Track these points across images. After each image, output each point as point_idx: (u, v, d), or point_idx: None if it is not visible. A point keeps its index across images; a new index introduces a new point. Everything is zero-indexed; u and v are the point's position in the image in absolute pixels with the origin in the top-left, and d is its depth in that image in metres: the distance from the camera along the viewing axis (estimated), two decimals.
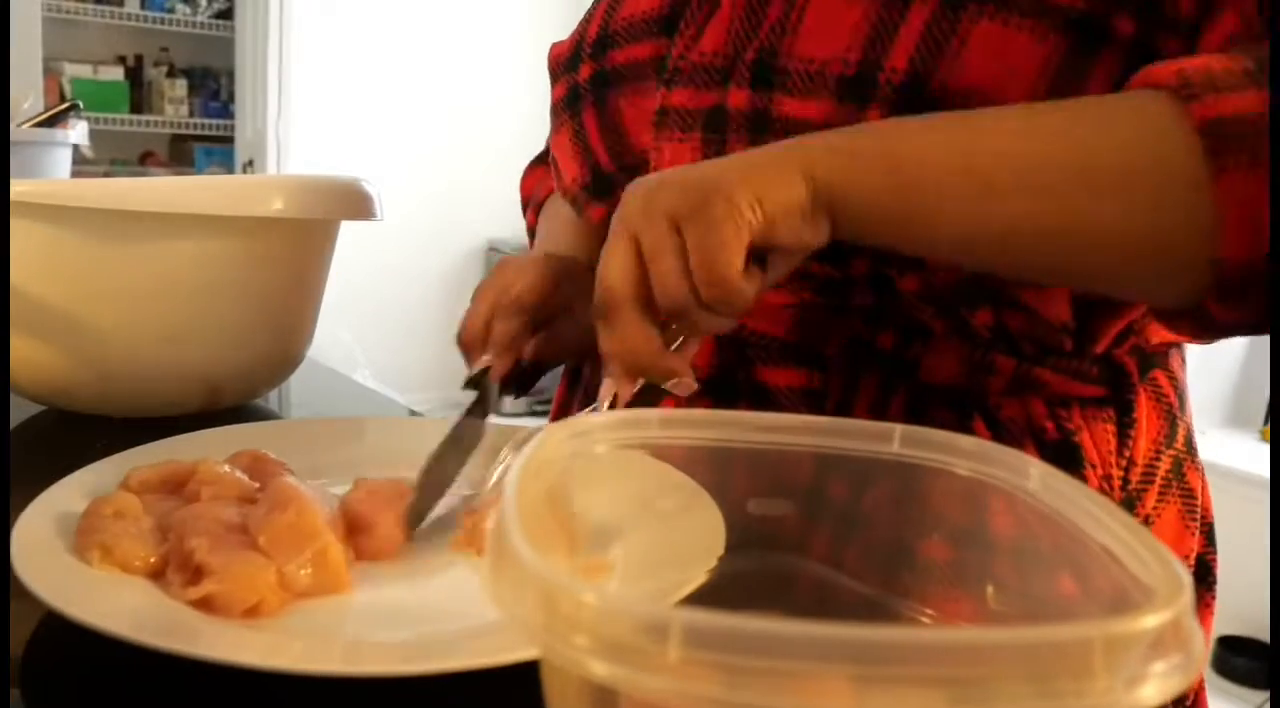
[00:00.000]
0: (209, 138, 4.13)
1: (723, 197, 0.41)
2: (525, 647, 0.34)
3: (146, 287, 0.68)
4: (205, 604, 0.41)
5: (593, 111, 0.61)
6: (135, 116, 3.99)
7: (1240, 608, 1.87)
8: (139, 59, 4.08)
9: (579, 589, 0.21)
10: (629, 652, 0.20)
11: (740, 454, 0.36)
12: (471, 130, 3.84)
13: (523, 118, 3.66)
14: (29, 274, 0.65)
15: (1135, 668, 0.20)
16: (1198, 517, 0.58)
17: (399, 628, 0.43)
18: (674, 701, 0.21)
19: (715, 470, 0.38)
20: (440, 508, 0.51)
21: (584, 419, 0.33)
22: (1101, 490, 0.53)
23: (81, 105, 1.30)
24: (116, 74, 3.98)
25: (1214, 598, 0.59)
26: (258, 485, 0.50)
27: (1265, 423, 2.63)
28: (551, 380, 0.70)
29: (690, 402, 0.57)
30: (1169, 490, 0.56)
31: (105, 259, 0.67)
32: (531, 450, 0.30)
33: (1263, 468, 2.28)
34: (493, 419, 0.56)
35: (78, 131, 1.22)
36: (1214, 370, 2.59)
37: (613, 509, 0.38)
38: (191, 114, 4.10)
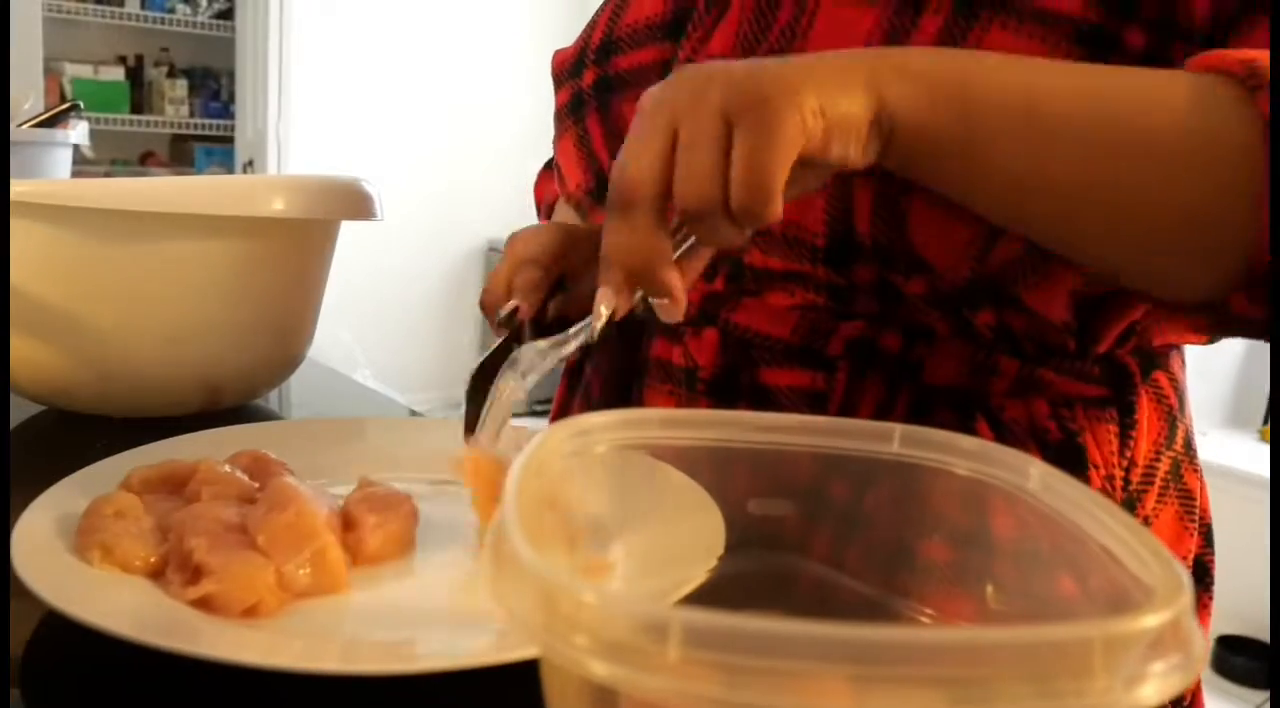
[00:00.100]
0: (209, 138, 4.13)
1: (787, 97, 0.38)
2: (525, 647, 0.34)
3: (146, 287, 0.68)
4: (204, 604, 0.41)
5: (597, 117, 0.61)
6: (135, 116, 3.99)
7: (1239, 608, 1.87)
8: (139, 59, 4.08)
9: (579, 589, 0.21)
10: (629, 652, 0.20)
11: (740, 454, 0.36)
12: (471, 130, 3.84)
13: (523, 118, 3.67)
14: (29, 274, 0.66)
15: (1135, 668, 0.20)
16: (1196, 518, 0.58)
17: (398, 628, 0.43)
18: (674, 700, 0.21)
19: (715, 470, 0.38)
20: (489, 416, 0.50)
21: (584, 419, 0.33)
22: (1104, 491, 0.53)
23: (82, 105, 1.30)
24: (117, 74, 3.98)
25: (1211, 599, 0.60)
26: (258, 486, 0.50)
27: (1265, 423, 2.63)
28: (553, 380, 0.70)
29: (692, 402, 0.57)
30: (1167, 492, 0.56)
31: (105, 259, 0.67)
32: (531, 450, 0.30)
33: (1262, 468, 2.28)
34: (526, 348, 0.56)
35: (78, 132, 1.22)
36: (1214, 371, 2.59)
37: (613, 509, 0.38)
38: (192, 114, 4.10)
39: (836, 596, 0.36)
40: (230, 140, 3.98)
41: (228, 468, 0.51)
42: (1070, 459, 0.52)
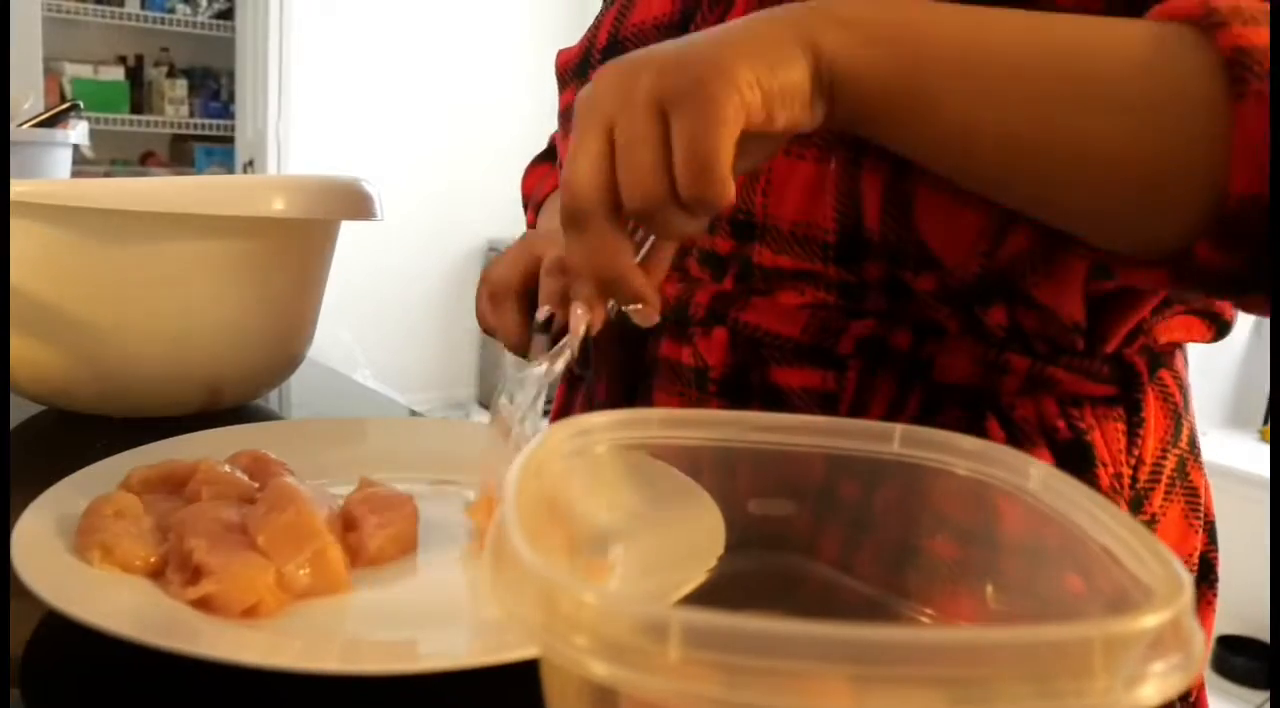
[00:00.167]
0: (209, 138, 4.13)
1: (719, 74, 0.37)
2: (525, 647, 0.34)
3: (146, 287, 0.68)
4: (204, 604, 0.41)
5: None
6: (135, 116, 3.99)
7: (1240, 608, 1.87)
8: (139, 59, 4.08)
9: (579, 589, 0.21)
10: (629, 652, 0.20)
11: (740, 454, 0.36)
12: (471, 130, 3.84)
13: (523, 118, 3.67)
14: (29, 274, 0.66)
15: (1135, 668, 0.20)
16: (1200, 515, 0.58)
17: (398, 628, 0.43)
18: (674, 701, 0.21)
19: (716, 470, 0.38)
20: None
21: (584, 419, 0.33)
22: (1113, 489, 0.53)
23: (82, 105, 1.30)
24: (117, 74, 3.98)
25: (1215, 595, 0.60)
26: (258, 486, 0.50)
27: (1265, 423, 2.63)
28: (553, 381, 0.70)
29: (703, 403, 0.57)
30: (1174, 490, 0.56)
31: (105, 259, 0.67)
32: (531, 450, 0.30)
33: (1263, 468, 2.28)
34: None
35: (78, 131, 1.22)
36: (1214, 370, 2.59)
37: (613, 509, 0.38)
38: (192, 114, 4.10)
39: (837, 596, 0.36)
40: (230, 140, 3.98)
41: (228, 468, 0.51)
42: (1079, 457, 0.52)
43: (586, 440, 0.33)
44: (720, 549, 0.38)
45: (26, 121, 1.18)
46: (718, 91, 0.36)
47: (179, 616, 0.40)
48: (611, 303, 0.42)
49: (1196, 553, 0.58)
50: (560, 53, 0.67)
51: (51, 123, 1.19)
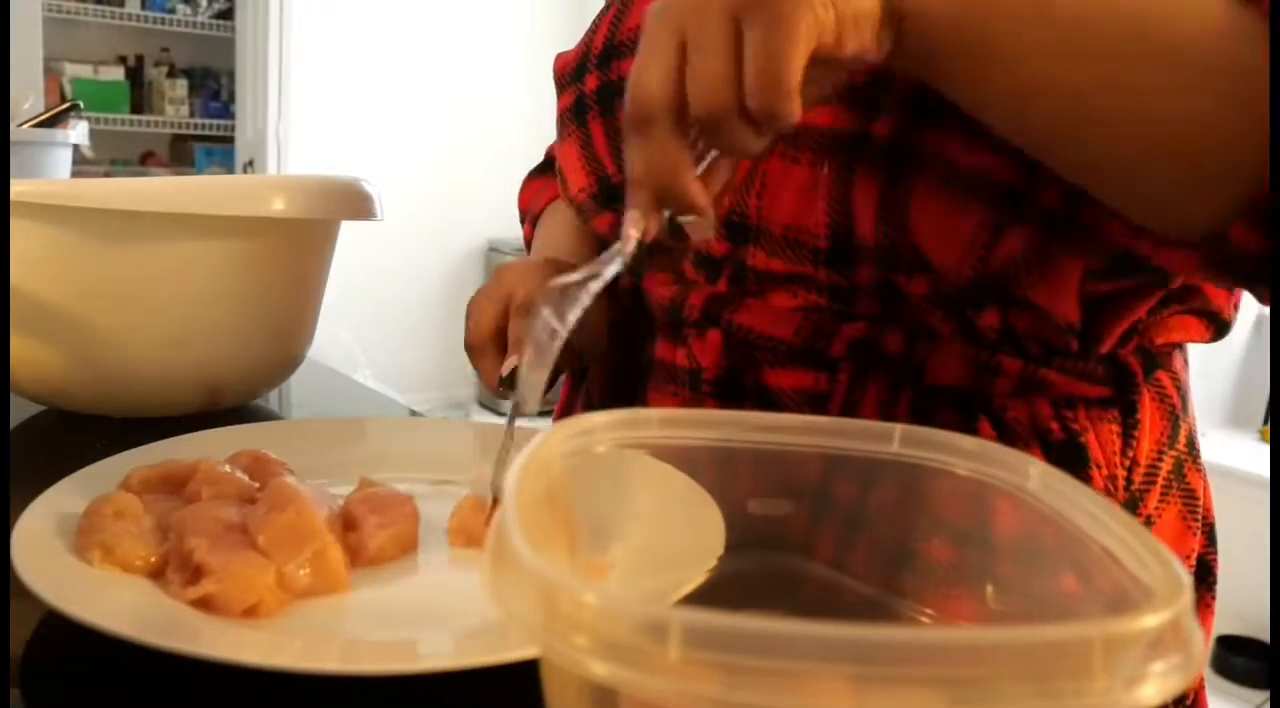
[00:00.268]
0: (209, 138, 4.13)
1: None
2: (525, 647, 0.34)
3: (146, 287, 0.68)
4: (204, 604, 0.41)
5: (600, 122, 0.61)
6: (135, 116, 3.99)
7: (1240, 608, 1.87)
8: (139, 59, 4.08)
9: (579, 589, 0.21)
10: (629, 652, 0.20)
11: (740, 454, 0.36)
12: (471, 130, 3.84)
13: (523, 118, 3.67)
14: (29, 274, 0.66)
15: (1135, 668, 0.20)
16: (1199, 517, 0.58)
17: (398, 628, 0.43)
18: (674, 701, 0.21)
19: (716, 470, 0.38)
20: None
21: (584, 419, 0.33)
22: (1107, 491, 0.53)
23: (82, 105, 1.30)
24: (117, 74, 3.99)
25: (1214, 598, 0.59)
26: (258, 486, 0.50)
27: (1265, 423, 2.63)
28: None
29: (696, 403, 0.57)
30: (1170, 491, 0.56)
31: (105, 259, 0.67)
32: (531, 450, 0.30)
33: (1263, 468, 2.28)
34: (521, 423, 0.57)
35: (78, 131, 1.22)
36: (1214, 371, 2.59)
37: (613, 509, 0.38)
38: (192, 114, 4.10)
39: (837, 595, 0.36)
40: (230, 140, 3.98)
41: (228, 468, 0.51)
42: (1073, 459, 0.52)
43: (586, 440, 0.33)
44: (720, 549, 0.38)
45: (26, 121, 1.18)
46: (793, 7, 0.37)
47: (179, 616, 0.40)
48: (666, 213, 0.42)
49: (1194, 555, 0.58)
50: (558, 56, 0.67)
51: (51, 123, 1.19)
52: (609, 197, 0.61)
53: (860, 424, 0.35)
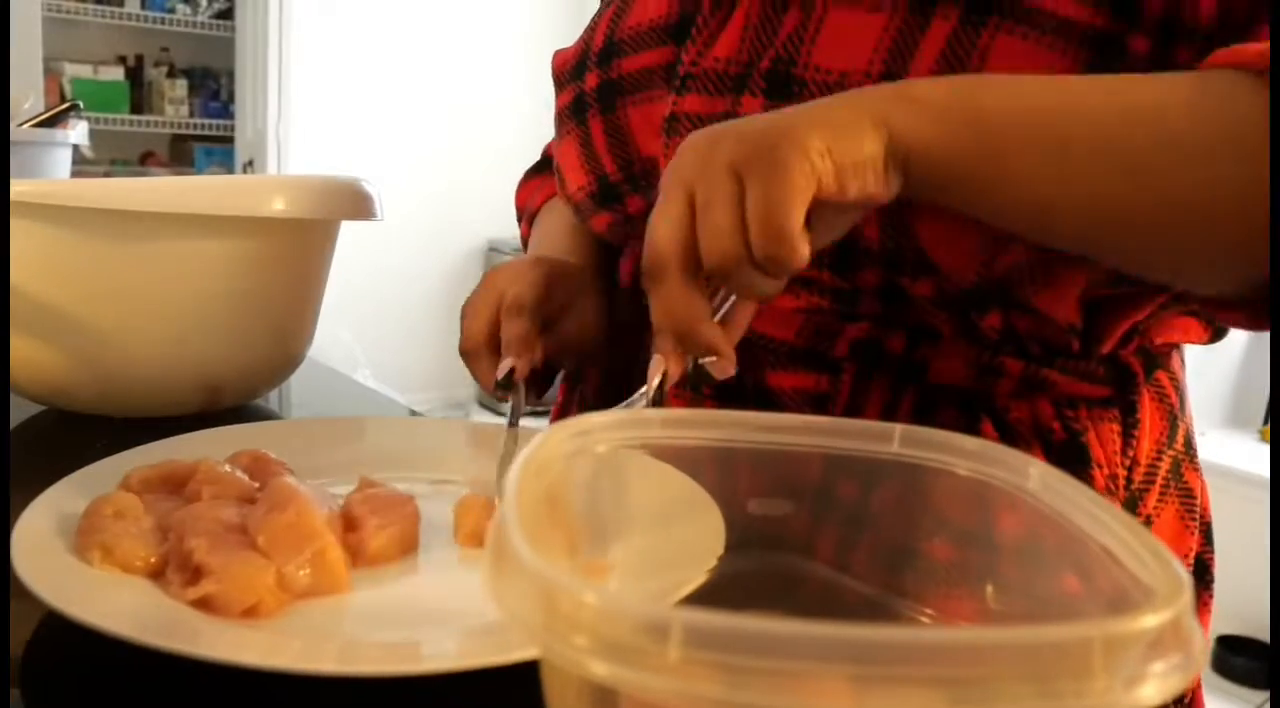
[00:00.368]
0: (209, 138, 4.13)
1: (791, 143, 0.39)
2: (525, 647, 0.34)
3: (146, 287, 0.68)
4: (204, 604, 0.41)
5: (599, 120, 0.61)
6: (135, 116, 3.99)
7: (1239, 608, 1.87)
8: (139, 59, 4.08)
9: (579, 589, 0.21)
10: (629, 652, 0.20)
11: (741, 454, 0.36)
12: (471, 130, 3.84)
13: (523, 118, 3.66)
14: (29, 274, 0.66)
15: (1135, 668, 0.20)
16: (1196, 516, 0.58)
17: (398, 628, 0.43)
18: (674, 701, 0.21)
19: (716, 470, 0.38)
20: None
21: (584, 419, 0.33)
22: (1108, 490, 0.53)
23: (82, 105, 1.30)
24: (117, 74, 3.98)
25: (1211, 597, 0.60)
26: (258, 485, 0.50)
27: (1265, 423, 2.63)
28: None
29: (696, 404, 0.57)
30: (1168, 491, 0.56)
31: (105, 259, 0.67)
32: (531, 450, 0.30)
33: (1262, 468, 2.28)
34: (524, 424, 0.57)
35: (78, 132, 1.22)
36: (1214, 371, 2.59)
37: (613, 509, 0.38)
38: (191, 114, 4.10)
39: (837, 596, 0.36)
40: (230, 140, 3.98)
41: (228, 468, 0.51)
42: (1074, 459, 0.52)
43: (586, 440, 0.33)
44: (720, 549, 0.38)
45: (26, 121, 1.18)
46: (789, 158, 0.39)
47: (179, 616, 0.40)
48: (690, 357, 0.44)
49: (1192, 555, 0.58)
50: (557, 54, 0.67)
51: (51, 123, 1.19)
52: (607, 196, 0.61)
53: (861, 424, 0.35)
